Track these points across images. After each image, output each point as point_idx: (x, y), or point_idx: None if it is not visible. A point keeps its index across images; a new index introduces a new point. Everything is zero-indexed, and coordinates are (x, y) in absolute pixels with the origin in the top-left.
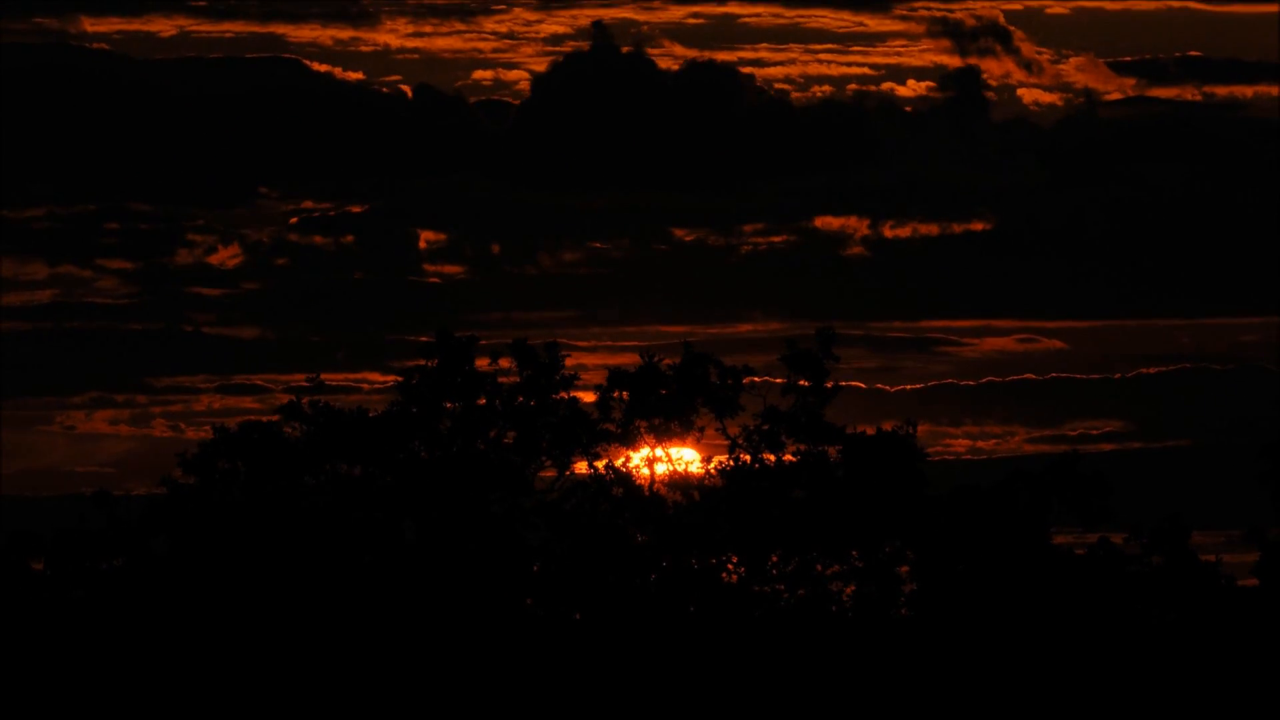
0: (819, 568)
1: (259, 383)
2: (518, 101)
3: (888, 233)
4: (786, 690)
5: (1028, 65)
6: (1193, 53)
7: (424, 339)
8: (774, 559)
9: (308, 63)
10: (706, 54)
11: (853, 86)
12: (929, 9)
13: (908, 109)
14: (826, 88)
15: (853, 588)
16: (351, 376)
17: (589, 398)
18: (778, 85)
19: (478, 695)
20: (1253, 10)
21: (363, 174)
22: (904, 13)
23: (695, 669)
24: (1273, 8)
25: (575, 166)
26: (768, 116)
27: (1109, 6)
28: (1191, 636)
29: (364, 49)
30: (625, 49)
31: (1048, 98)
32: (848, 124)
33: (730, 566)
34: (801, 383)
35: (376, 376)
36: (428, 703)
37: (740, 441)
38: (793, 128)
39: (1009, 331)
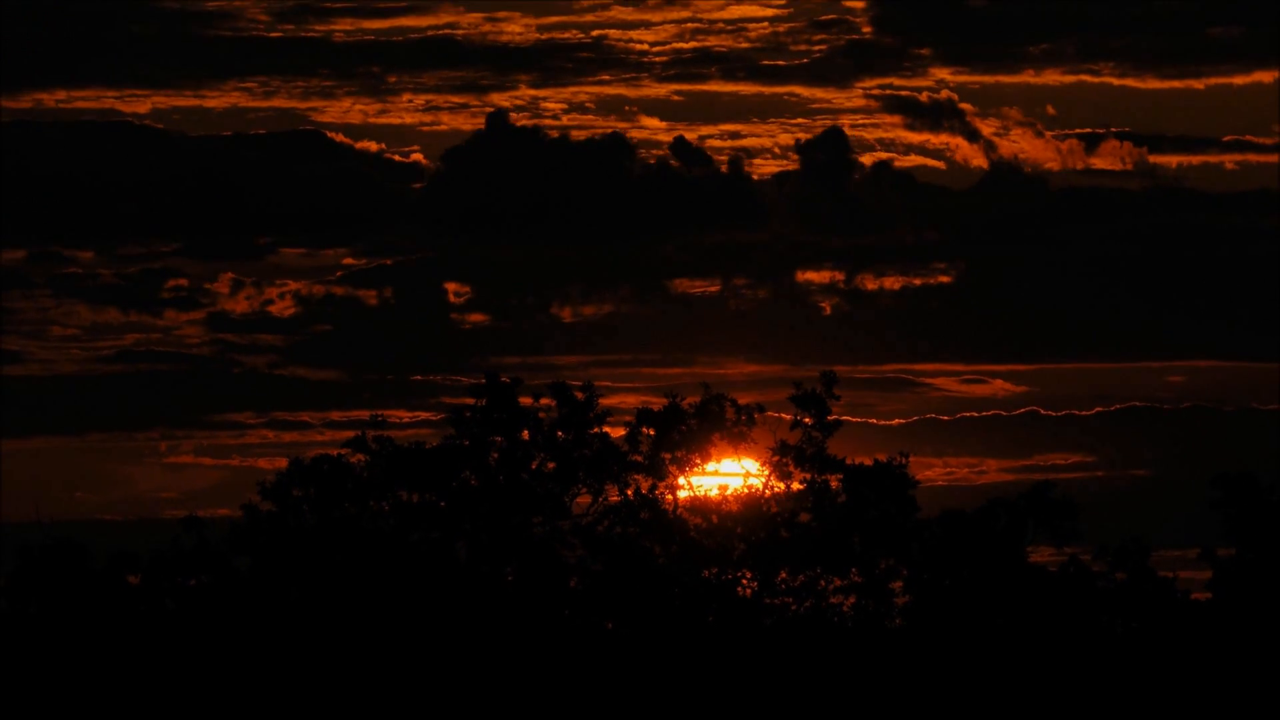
0: (822, 583)
1: (306, 419)
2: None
3: (859, 285)
4: (793, 691)
5: (976, 137)
6: (1126, 128)
7: (455, 377)
8: (783, 575)
9: (332, 135)
10: (691, 128)
11: (820, 155)
12: (892, 86)
13: (872, 176)
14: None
15: (853, 600)
16: (385, 412)
17: (619, 432)
18: (755, 155)
19: (521, 696)
20: (1176, 86)
21: (393, 233)
22: (875, 92)
23: (713, 672)
24: (1197, 84)
25: (579, 228)
26: (751, 184)
27: (1054, 82)
28: (1151, 644)
29: (388, 121)
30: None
31: (987, 165)
32: (818, 189)
33: (744, 581)
34: (806, 420)
35: (404, 413)
36: (477, 703)
37: (753, 471)
38: (773, 193)
39: (963, 374)
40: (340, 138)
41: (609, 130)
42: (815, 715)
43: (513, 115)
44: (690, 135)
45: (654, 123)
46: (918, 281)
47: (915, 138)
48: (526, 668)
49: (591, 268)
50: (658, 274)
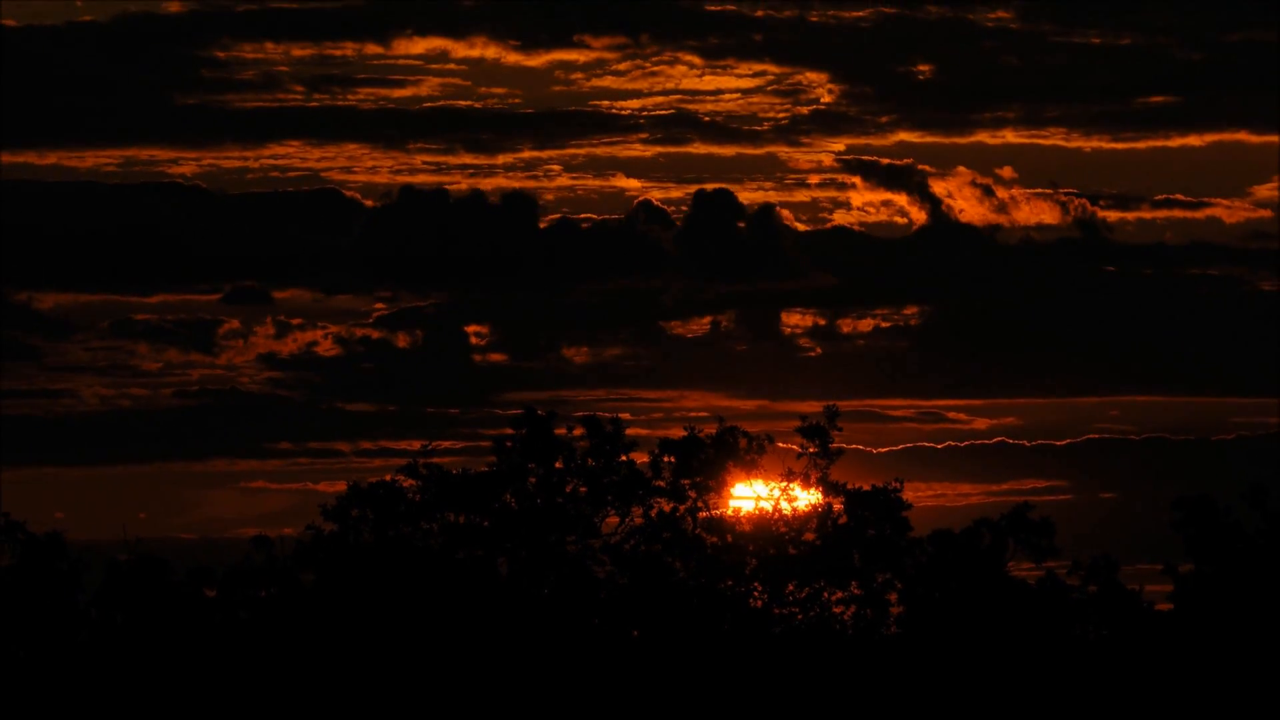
0: (826, 595)
1: (340, 448)
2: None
3: (839, 327)
4: (799, 691)
5: (934, 196)
6: (1073, 187)
7: (478, 410)
8: (790, 588)
9: (347, 193)
10: (680, 187)
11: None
12: (859, 150)
13: (850, 229)
14: (786, 212)
15: (853, 610)
16: (421, 442)
17: (643, 458)
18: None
19: (555, 696)
20: (1119, 149)
21: (416, 279)
22: (848, 157)
23: (728, 675)
24: (1139, 145)
25: (582, 274)
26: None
27: (1006, 144)
28: (1120, 650)
29: (408, 180)
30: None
31: (949, 221)
32: (803, 239)
33: (756, 593)
34: (811, 449)
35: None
36: (515, 702)
37: (762, 496)
38: (769, 242)
39: (923, 408)
40: (357, 195)
41: (600, 187)
42: (818, 714)
43: (507, 175)
44: (677, 193)
45: (634, 183)
46: (886, 325)
47: (877, 196)
48: (560, 671)
49: (596, 312)
50: (654, 317)
